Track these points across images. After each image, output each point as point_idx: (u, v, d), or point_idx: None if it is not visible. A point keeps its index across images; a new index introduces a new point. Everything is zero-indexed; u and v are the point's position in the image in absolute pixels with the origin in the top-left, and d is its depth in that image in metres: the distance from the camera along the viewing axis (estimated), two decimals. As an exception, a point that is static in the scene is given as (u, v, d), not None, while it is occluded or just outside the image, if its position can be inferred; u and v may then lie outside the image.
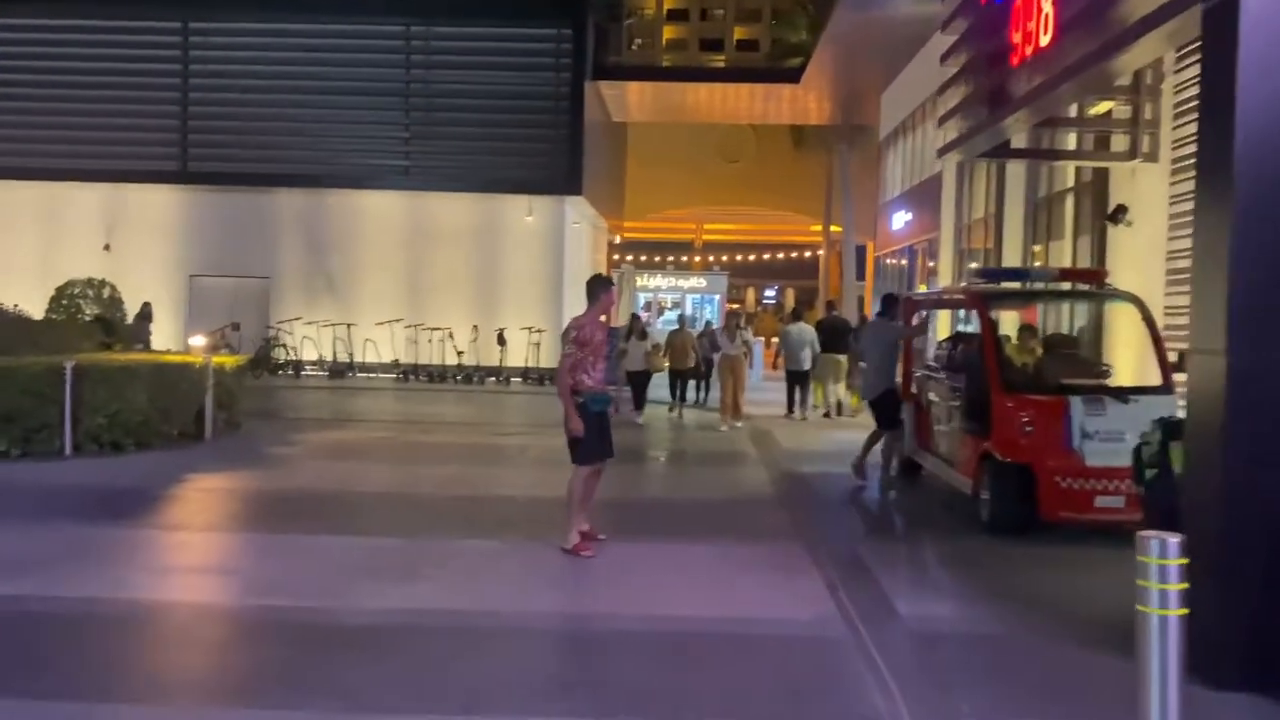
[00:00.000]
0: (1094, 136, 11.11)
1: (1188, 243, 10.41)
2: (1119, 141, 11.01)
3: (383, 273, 23.55)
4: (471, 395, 20.71)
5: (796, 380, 16.62)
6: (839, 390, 16.87)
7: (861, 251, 30.69)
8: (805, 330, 16.66)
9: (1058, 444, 8.17)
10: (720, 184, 38.82)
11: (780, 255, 45.69)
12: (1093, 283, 9.20)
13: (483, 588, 6.70)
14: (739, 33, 65.61)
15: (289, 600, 6.26)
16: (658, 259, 41.43)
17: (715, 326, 20.89)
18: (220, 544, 7.99)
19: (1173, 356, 8.56)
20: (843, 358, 16.45)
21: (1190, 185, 10.12)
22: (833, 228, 35.54)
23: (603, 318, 7.69)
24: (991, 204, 16.28)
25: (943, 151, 11.05)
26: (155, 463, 10.99)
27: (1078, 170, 12.67)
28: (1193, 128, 9.93)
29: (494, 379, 22.73)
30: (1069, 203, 13.09)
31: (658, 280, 33.09)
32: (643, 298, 32.54)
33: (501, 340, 22.75)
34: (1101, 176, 11.58)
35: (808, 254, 44.33)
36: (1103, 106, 10.86)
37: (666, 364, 16.72)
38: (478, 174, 23.28)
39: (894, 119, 24.81)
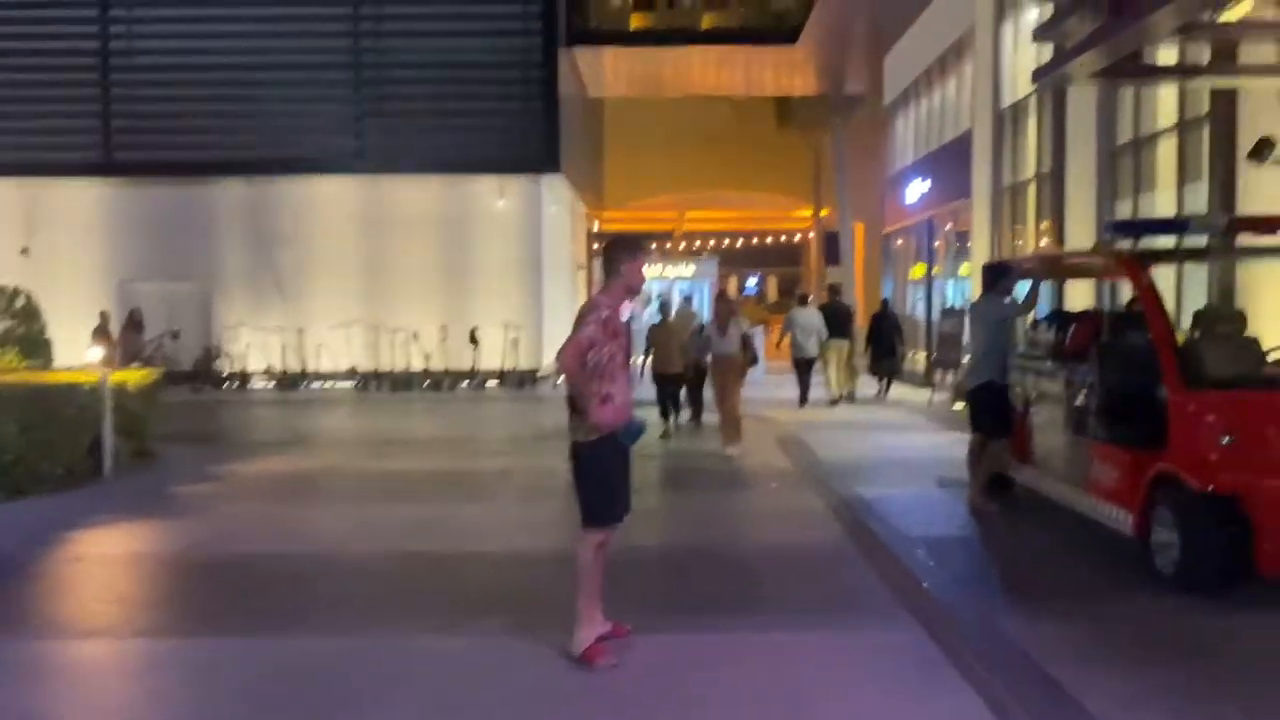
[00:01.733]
0: (1215, 51, 8.69)
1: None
2: (1257, 53, 8.58)
3: (337, 269, 20.83)
4: (441, 405, 18.09)
5: (800, 367, 15.88)
6: (843, 376, 16.53)
7: (843, 237, 28.13)
8: (813, 315, 15.95)
9: (1275, 462, 5.73)
10: (701, 168, 36.22)
11: (768, 240, 43.28)
12: (1274, 232, 6.80)
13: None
14: None
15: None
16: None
17: (699, 321, 15.65)
18: (62, 664, 5.37)
19: None
20: (846, 343, 16.30)
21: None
22: (822, 212, 33.16)
23: (627, 306, 5.20)
24: (1047, 159, 13.85)
25: (1043, 74, 8.60)
26: (22, 516, 8.36)
27: (1183, 102, 10.24)
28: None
29: (467, 384, 20.15)
30: (1168, 145, 10.67)
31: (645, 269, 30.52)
32: (627, 289, 29.95)
33: (474, 340, 20.19)
34: (1225, 106, 9.15)
35: (796, 238, 41.94)
36: (1239, 10, 8.44)
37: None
38: (441, 154, 20.64)
39: (902, 81, 22.37)
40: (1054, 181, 13.24)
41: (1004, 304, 8.42)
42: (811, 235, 35.94)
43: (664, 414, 12.74)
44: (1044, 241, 13.48)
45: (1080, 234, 12.37)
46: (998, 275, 8.48)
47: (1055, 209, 13.19)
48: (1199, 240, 7.20)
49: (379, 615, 5.77)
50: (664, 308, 13.50)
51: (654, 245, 39.78)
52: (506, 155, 20.84)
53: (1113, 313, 7.84)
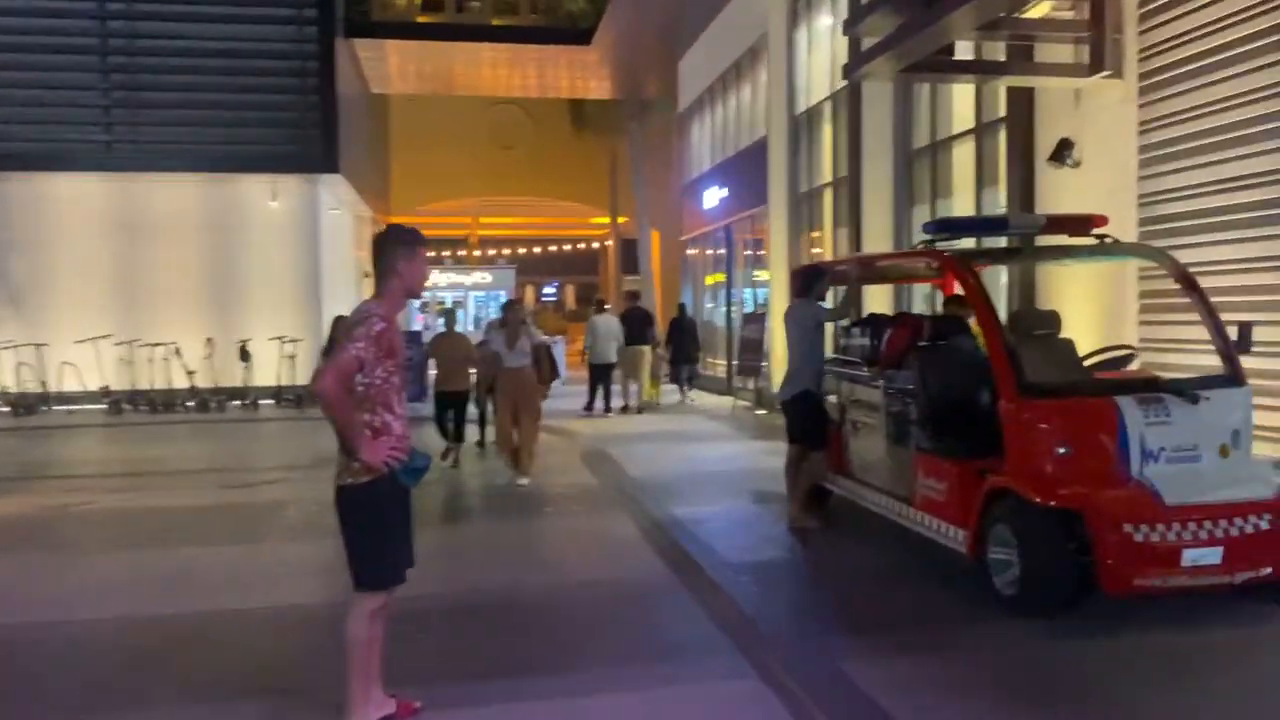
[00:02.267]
0: (1023, 49, 8.60)
1: (1172, 181, 8.16)
2: (1053, 53, 8.55)
3: (83, 277, 18.49)
4: (207, 428, 16.29)
5: (601, 375, 15.85)
6: (646, 383, 16.43)
7: (641, 243, 27.87)
8: (612, 322, 16.04)
9: (1113, 473, 5.44)
10: (496, 173, 35.26)
11: (564, 248, 42.75)
12: (1086, 232, 6.63)
13: None
14: None
15: None
16: (432, 254, 37.37)
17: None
18: None
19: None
20: (647, 349, 16.27)
21: (1172, 106, 7.79)
22: (620, 219, 32.89)
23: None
24: (843, 164, 13.78)
25: (853, 69, 8.24)
26: None
27: (979, 104, 10.23)
28: (1169, 30, 7.68)
29: (239, 403, 18.31)
30: (965, 149, 10.66)
31: (435, 276, 29.10)
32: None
33: (245, 355, 18.38)
34: (1023, 108, 9.12)
35: (595, 245, 41.62)
36: (1041, 8, 8.37)
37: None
38: (205, 150, 18.73)
39: (697, 87, 22.21)
40: (850, 186, 13.16)
41: (818, 309, 7.98)
42: (610, 243, 35.56)
43: (445, 435, 11.26)
44: (843, 248, 13.38)
45: (878, 239, 12.32)
46: (810, 279, 8.05)
47: (852, 214, 13.11)
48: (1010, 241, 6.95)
49: (99, 706, 4.55)
50: (448, 317, 12.56)
51: (445, 254, 38.46)
52: (280, 153, 19.14)
53: (933, 316, 7.53)
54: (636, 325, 16.30)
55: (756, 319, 16.63)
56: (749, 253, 19.05)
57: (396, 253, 4.04)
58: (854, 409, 7.88)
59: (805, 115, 15.42)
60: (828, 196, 14.67)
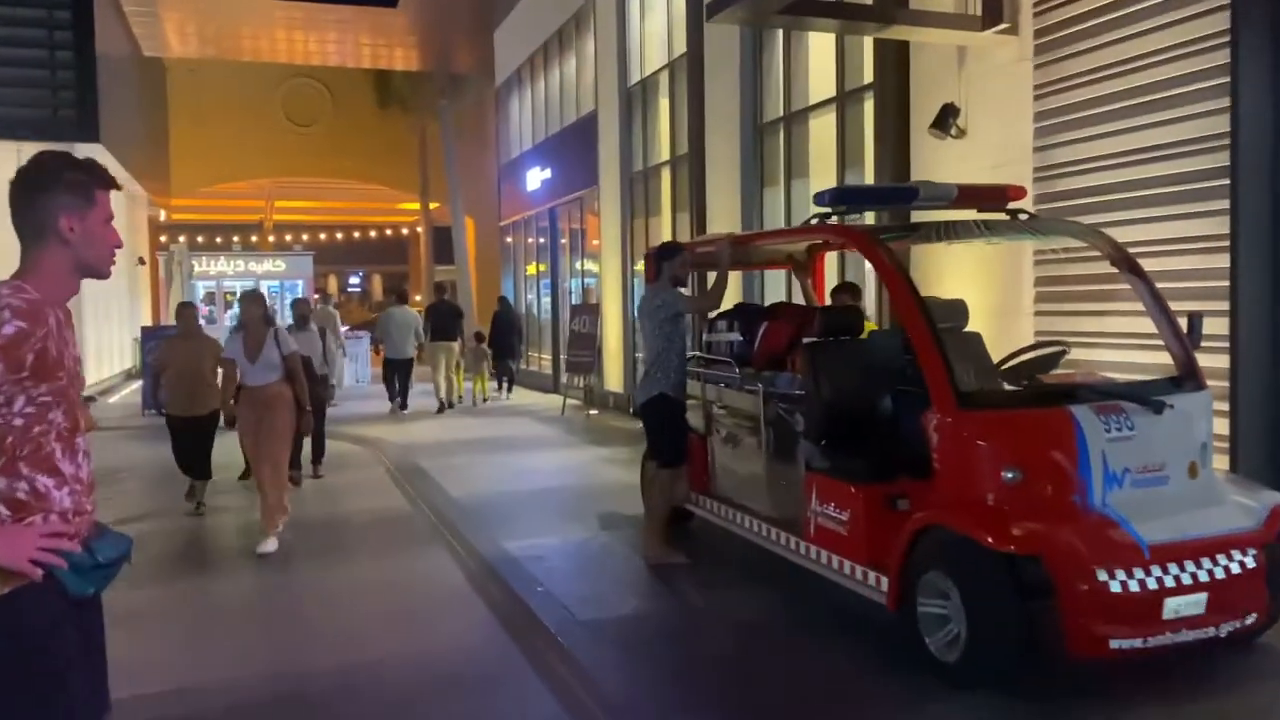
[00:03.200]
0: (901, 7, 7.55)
1: (1072, 152, 7.27)
2: (935, 2, 7.54)
3: None
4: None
5: (397, 370, 14.95)
6: (456, 379, 15.71)
7: (455, 231, 25.95)
8: (409, 314, 15.04)
9: (1070, 502, 4.33)
10: (291, 152, 32.31)
11: (371, 235, 40.09)
12: (1002, 206, 5.56)
13: None
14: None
15: None
16: (219, 240, 33.89)
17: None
18: None
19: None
20: (455, 344, 15.50)
21: (1073, 66, 6.88)
22: (432, 205, 30.77)
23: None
24: (683, 141, 12.56)
25: (715, 9, 6.90)
26: None
27: (842, 70, 9.16)
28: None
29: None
30: (824, 121, 9.60)
31: (221, 265, 26.16)
32: (202, 288, 25.55)
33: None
34: (896, 71, 8.09)
35: (404, 232, 39.18)
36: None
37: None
38: (-75, 110, 15.60)
39: (515, 58, 20.58)
40: (693, 164, 11.95)
41: (676, 296, 6.61)
42: (420, 229, 33.29)
43: (183, 468, 8.55)
44: (684, 233, 12.16)
45: (725, 222, 11.15)
46: (666, 259, 6.63)
47: (696, 195, 11.90)
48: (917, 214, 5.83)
49: None
50: (187, 314, 8.88)
51: (235, 240, 35.11)
52: (26, 117, 16.21)
53: (825, 307, 6.32)
54: (445, 319, 15.43)
55: (587, 310, 15.25)
56: (576, 239, 17.64)
57: (55, 201, 2.36)
58: (723, 417, 6.61)
59: (639, 87, 14.13)
60: (666, 176, 13.43)
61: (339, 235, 39.48)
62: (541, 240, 19.48)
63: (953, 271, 7.57)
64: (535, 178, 18.98)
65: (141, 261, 25.96)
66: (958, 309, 5.80)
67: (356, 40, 23.53)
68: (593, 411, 14.69)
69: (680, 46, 12.45)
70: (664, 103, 13.46)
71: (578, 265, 17.55)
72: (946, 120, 7.37)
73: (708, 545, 6.78)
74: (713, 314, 7.00)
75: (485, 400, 16.38)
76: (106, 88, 17.17)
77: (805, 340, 5.87)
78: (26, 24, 16.37)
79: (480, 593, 6.01)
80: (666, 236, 13.06)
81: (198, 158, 29.64)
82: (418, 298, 29.36)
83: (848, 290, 6.96)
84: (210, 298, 25.43)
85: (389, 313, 15.31)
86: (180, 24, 21.87)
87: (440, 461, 10.48)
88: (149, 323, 24.29)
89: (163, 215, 30.51)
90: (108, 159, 17.67)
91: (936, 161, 7.69)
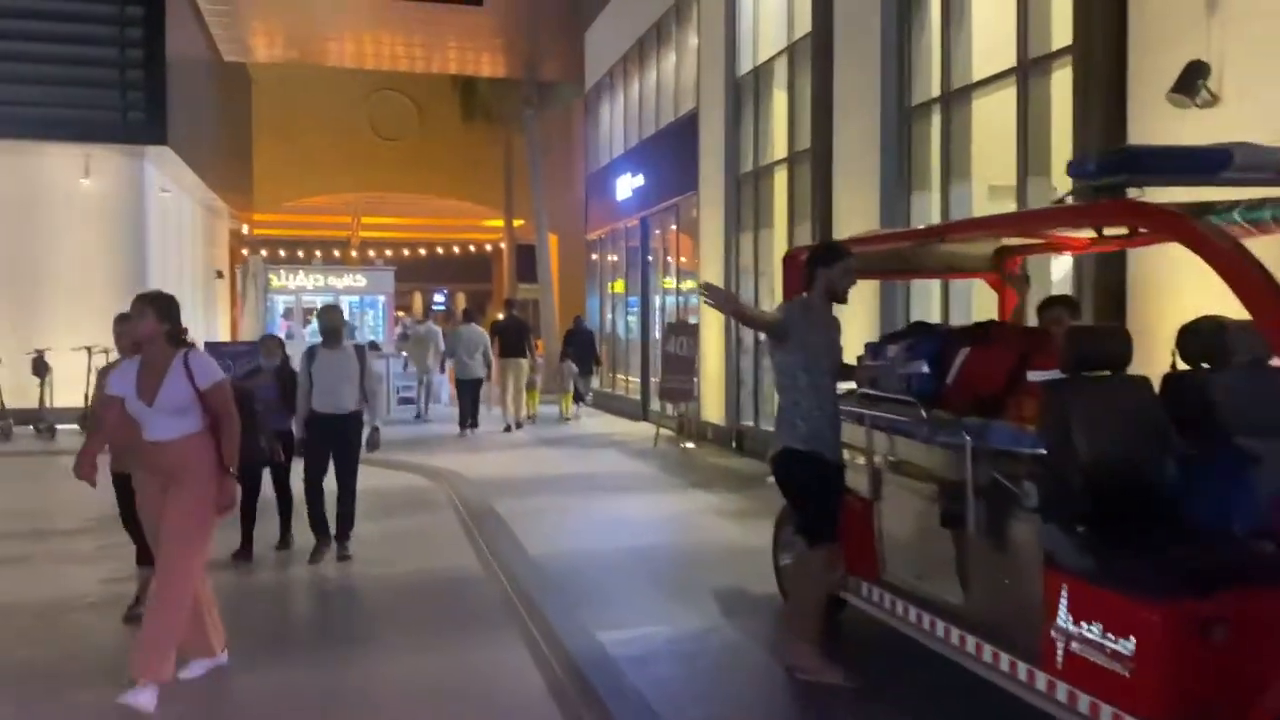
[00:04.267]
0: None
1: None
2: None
3: None
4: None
5: (465, 390, 14.72)
6: (523, 398, 15.44)
7: (539, 247, 24.45)
8: (476, 333, 14.84)
9: None
10: (377, 167, 31.42)
11: (455, 251, 39.16)
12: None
13: None
14: None
15: None
16: (301, 255, 33.15)
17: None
18: None
19: None
20: (524, 361, 15.24)
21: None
22: (516, 222, 29.54)
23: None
24: (802, 136, 10.84)
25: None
26: None
27: (1024, 35, 7.35)
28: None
29: (34, 429, 14.43)
30: (996, 100, 7.80)
31: (300, 279, 25.16)
32: (281, 302, 24.59)
33: (42, 369, 14.53)
34: (1108, 27, 6.27)
35: (488, 248, 38.15)
36: None
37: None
38: (-4, 112, 14.84)
39: (607, 60, 19.13)
40: (817, 160, 10.19)
41: (825, 316, 4.87)
42: (504, 246, 32.08)
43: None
44: (805, 242, 10.41)
45: (855, 224, 9.37)
46: (823, 264, 4.88)
47: (820, 196, 10.14)
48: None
49: None
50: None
51: (317, 255, 34.45)
52: (93, 119, 15.35)
53: (1078, 328, 4.55)
54: (512, 336, 15.17)
55: (685, 330, 13.55)
56: (670, 249, 16.02)
57: None
58: (896, 478, 4.85)
59: (750, 76, 12.44)
60: (780, 177, 11.70)
61: (422, 251, 38.61)
62: (631, 251, 17.90)
63: (1171, 280, 5.69)
64: (626, 185, 17.42)
65: (220, 275, 25.18)
66: (1254, 337, 3.95)
67: (443, 43, 22.39)
68: (689, 444, 13.00)
69: (803, 26, 10.75)
70: (779, 94, 11.75)
71: (671, 280, 15.93)
72: (1194, 82, 5.52)
73: (873, 649, 5.02)
74: (879, 337, 5.25)
75: (567, 420, 16.32)
76: (177, 88, 16.19)
77: (1034, 374, 4.09)
78: (97, 20, 15.51)
79: (565, 710, 4.34)
80: (781, 245, 11.31)
81: (282, 172, 28.93)
82: (499, 315, 28.16)
83: (1064, 305, 5.15)
84: (289, 313, 24.44)
85: (457, 332, 15.14)
86: (261, 25, 20.98)
87: (518, 504, 8.90)
88: (227, 337, 23.41)
89: (245, 229, 29.85)
90: (175, 163, 16.72)
91: (1169, 139, 5.83)
